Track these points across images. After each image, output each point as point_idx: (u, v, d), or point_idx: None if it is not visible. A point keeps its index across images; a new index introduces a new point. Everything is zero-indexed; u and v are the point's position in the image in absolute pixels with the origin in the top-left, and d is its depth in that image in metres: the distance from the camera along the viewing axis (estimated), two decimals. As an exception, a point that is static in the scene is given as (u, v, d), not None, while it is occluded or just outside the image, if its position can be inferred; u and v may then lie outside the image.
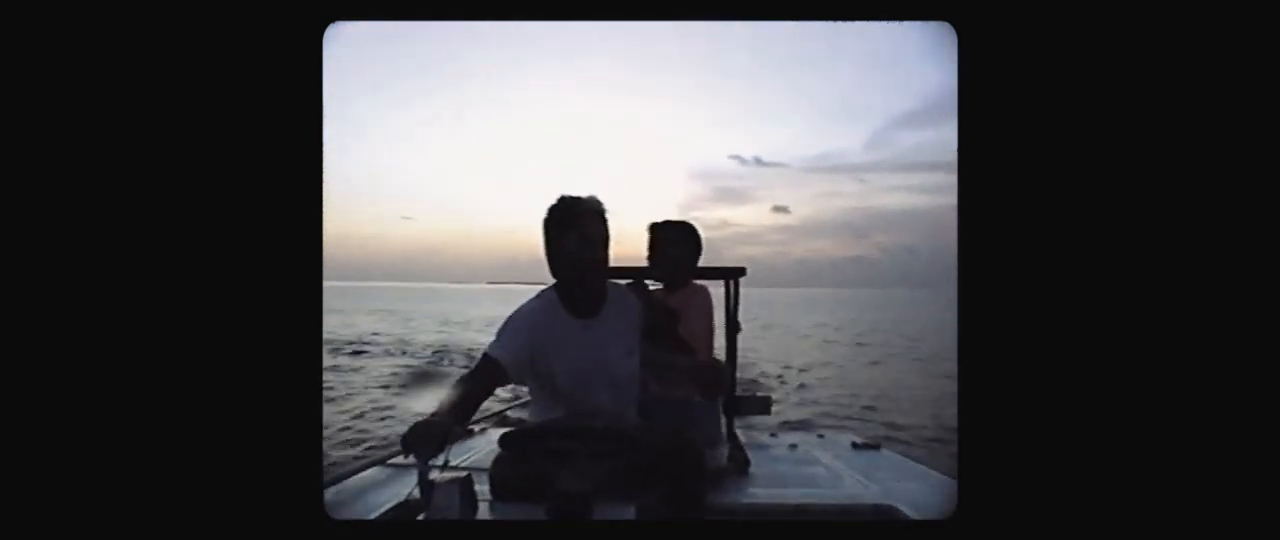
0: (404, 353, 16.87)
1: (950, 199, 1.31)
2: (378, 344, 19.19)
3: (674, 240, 2.72)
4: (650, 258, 2.75)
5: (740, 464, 2.86)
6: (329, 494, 2.29)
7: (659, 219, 2.77)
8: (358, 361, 15.00)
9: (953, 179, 1.29)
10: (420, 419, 1.56)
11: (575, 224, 1.87)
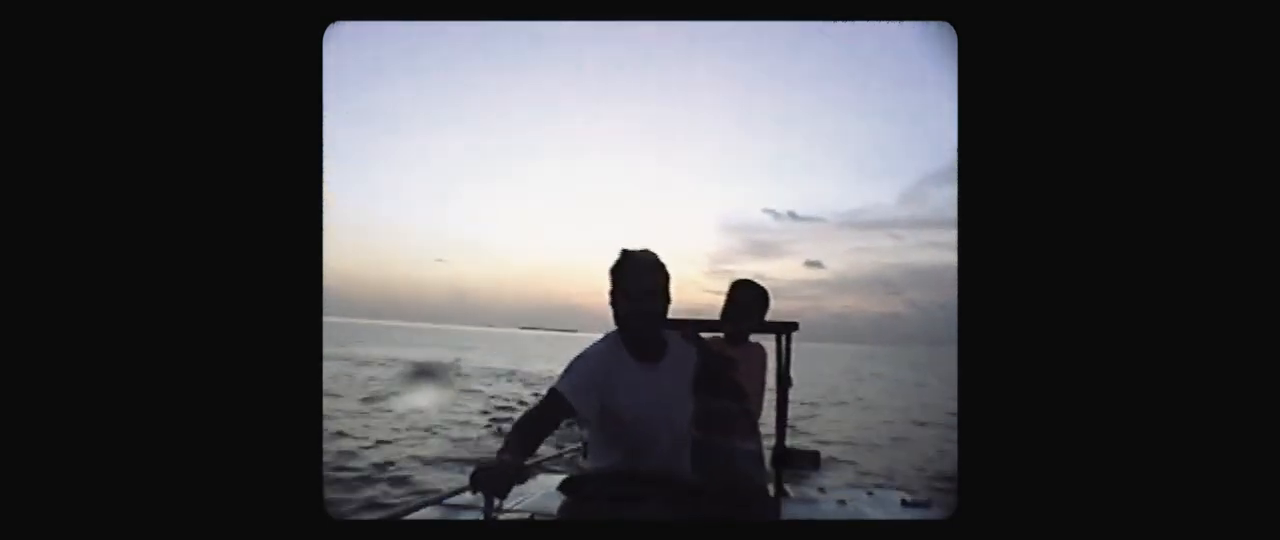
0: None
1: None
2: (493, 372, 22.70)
3: (752, 300, 2.89)
4: (725, 311, 2.91)
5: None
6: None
7: (740, 277, 2.96)
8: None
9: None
10: (487, 461, 1.61)
11: (639, 274, 2.01)
